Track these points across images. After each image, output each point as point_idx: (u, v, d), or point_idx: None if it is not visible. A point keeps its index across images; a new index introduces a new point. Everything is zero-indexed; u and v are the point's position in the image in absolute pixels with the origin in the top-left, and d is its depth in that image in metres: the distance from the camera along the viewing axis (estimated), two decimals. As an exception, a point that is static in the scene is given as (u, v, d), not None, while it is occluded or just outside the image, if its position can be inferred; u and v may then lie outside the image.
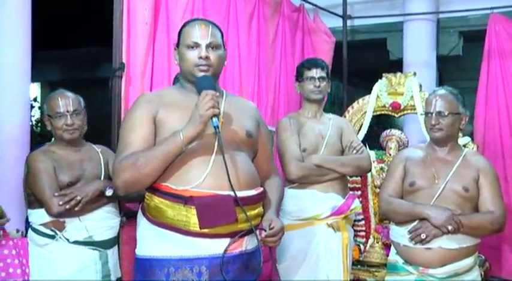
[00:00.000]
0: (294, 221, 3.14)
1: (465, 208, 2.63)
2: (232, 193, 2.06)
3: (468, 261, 2.62)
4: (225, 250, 2.08)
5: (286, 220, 3.09)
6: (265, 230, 2.13)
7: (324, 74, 3.34)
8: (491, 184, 2.69)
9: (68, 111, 2.74)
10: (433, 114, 2.68)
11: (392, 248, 2.79)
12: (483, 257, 4.51)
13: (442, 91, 2.78)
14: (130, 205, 3.10)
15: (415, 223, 2.60)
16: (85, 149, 2.86)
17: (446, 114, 2.68)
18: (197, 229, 2.07)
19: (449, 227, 2.51)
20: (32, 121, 7.77)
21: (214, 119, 2.06)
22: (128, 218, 3.03)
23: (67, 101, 2.76)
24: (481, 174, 2.68)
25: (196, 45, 2.19)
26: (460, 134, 4.28)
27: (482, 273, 4.26)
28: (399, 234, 2.68)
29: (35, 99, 9.23)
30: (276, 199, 2.32)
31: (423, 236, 2.54)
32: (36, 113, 8.85)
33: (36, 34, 3.94)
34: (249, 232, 2.16)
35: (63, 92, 2.81)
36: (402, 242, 2.66)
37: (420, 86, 4.38)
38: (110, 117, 3.25)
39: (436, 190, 2.65)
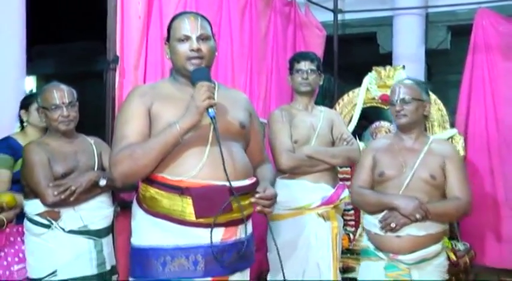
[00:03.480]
0: (285, 211, 3.15)
1: (433, 195, 2.66)
2: (227, 183, 2.06)
3: (435, 247, 2.66)
4: (211, 238, 2.07)
5: (277, 210, 3.08)
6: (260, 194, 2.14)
7: (313, 67, 3.34)
8: (457, 169, 2.71)
9: (63, 103, 2.73)
10: (398, 101, 2.72)
11: (364, 234, 2.84)
12: (468, 245, 4.56)
13: (404, 80, 2.88)
14: (124, 195, 3.10)
15: (384, 213, 2.63)
16: (78, 141, 2.86)
17: (409, 100, 2.72)
18: (193, 218, 2.08)
19: (418, 216, 2.54)
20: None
21: (211, 110, 2.06)
22: (122, 208, 3.03)
23: (62, 93, 2.75)
24: (447, 160, 2.70)
25: (187, 38, 2.19)
26: (440, 124, 4.33)
27: (468, 261, 4.31)
28: (371, 223, 2.72)
29: (31, 92, 9.18)
30: (270, 176, 2.34)
31: (393, 225, 2.58)
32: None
33: (32, 29, 3.93)
34: (243, 220, 2.17)
35: (57, 85, 2.80)
36: (373, 230, 2.70)
37: (409, 79, 4.39)
38: (105, 109, 3.24)
39: (404, 179, 2.67)
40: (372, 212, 2.70)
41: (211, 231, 2.05)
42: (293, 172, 3.20)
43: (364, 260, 2.80)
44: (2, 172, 2.93)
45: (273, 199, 2.17)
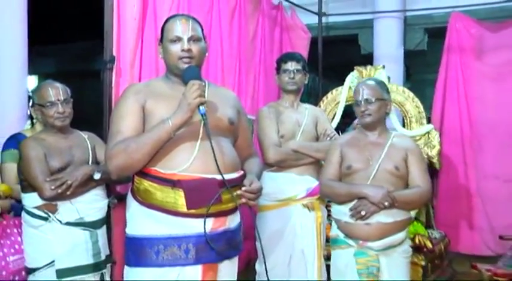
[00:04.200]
0: (272, 202, 3.15)
1: (397, 185, 2.68)
2: (216, 176, 2.06)
3: (401, 235, 2.69)
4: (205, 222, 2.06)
5: (265, 201, 3.10)
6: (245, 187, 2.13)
7: (299, 67, 3.33)
8: (418, 161, 2.74)
9: (58, 100, 2.68)
10: (362, 102, 2.73)
11: (333, 224, 2.83)
12: (443, 233, 4.60)
13: (367, 81, 2.87)
14: (120, 189, 3.08)
15: (355, 202, 2.64)
16: (73, 136, 2.81)
17: (373, 100, 2.72)
18: (184, 209, 2.07)
19: (386, 203, 2.56)
20: (29, 110, 7.64)
21: (201, 107, 2.06)
22: (119, 200, 3.01)
23: (57, 91, 2.70)
24: (409, 153, 2.73)
25: (179, 39, 2.17)
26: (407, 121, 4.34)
27: (443, 248, 4.34)
28: (341, 212, 2.71)
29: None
30: (256, 169, 2.33)
31: (363, 213, 2.59)
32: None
33: (33, 30, 3.89)
34: (232, 211, 2.17)
35: (52, 83, 2.75)
36: (344, 219, 2.69)
37: (388, 78, 4.41)
38: (102, 106, 3.22)
39: (371, 170, 2.68)
40: (342, 202, 2.70)
41: (204, 220, 2.05)
42: (280, 165, 3.19)
43: (334, 249, 2.79)
44: (12, 165, 2.89)
45: (258, 192, 2.16)
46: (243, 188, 2.12)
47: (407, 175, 2.72)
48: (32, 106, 3.04)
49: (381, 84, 2.83)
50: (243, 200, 2.12)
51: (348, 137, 2.89)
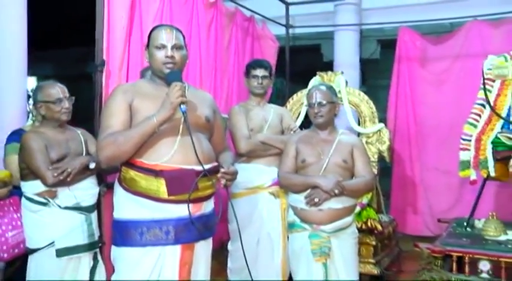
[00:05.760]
0: (242, 190, 3.17)
1: (345, 176, 2.72)
2: (194, 167, 2.07)
3: (349, 219, 2.73)
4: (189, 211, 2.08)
5: (236, 189, 3.12)
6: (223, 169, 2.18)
7: (266, 73, 3.35)
8: (362, 155, 2.78)
9: (65, 97, 2.69)
10: (315, 105, 2.76)
11: (290, 210, 2.85)
12: (392, 217, 4.67)
13: (320, 86, 2.89)
14: (110, 178, 3.05)
15: (309, 191, 2.66)
16: (69, 131, 2.79)
17: (324, 103, 2.76)
18: (165, 196, 2.08)
19: (336, 191, 2.59)
20: (29, 109, 7.47)
21: (182, 106, 2.07)
22: (108, 188, 2.99)
23: (62, 89, 2.70)
24: (354, 148, 2.77)
25: (163, 47, 2.18)
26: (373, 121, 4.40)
27: (391, 230, 4.42)
28: (297, 200, 2.74)
29: (32, 90, 8.93)
30: (230, 160, 2.37)
31: (316, 200, 2.62)
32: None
33: (34, 36, 3.83)
34: (207, 197, 2.19)
35: (55, 82, 2.74)
36: (299, 206, 2.72)
37: (346, 82, 4.45)
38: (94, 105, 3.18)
39: (323, 164, 2.71)
40: (298, 192, 2.72)
41: (188, 205, 2.06)
42: (250, 155, 3.21)
43: (291, 233, 2.81)
44: (14, 157, 2.83)
45: (234, 174, 2.22)
46: (222, 170, 2.16)
47: (353, 167, 2.76)
48: (34, 104, 2.98)
49: (331, 89, 2.85)
50: (222, 181, 2.16)
51: (302, 135, 2.91)
